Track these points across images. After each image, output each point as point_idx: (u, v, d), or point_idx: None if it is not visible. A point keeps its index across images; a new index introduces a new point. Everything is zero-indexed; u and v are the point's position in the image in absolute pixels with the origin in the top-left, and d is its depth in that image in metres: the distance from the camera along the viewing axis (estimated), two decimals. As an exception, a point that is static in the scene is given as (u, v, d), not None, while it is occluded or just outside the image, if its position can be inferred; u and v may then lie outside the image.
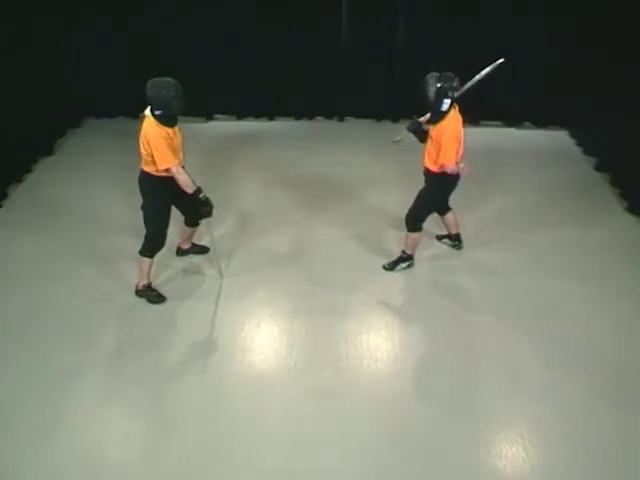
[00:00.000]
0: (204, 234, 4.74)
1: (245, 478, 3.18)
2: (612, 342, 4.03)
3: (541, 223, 5.29)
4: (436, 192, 4.44)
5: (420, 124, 4.36)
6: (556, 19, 6.32)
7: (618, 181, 5.82)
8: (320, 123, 7.25)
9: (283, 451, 3.30)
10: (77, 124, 7.07)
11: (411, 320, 4.24)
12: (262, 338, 4.10)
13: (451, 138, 4.08)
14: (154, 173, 4.00)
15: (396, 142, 4.57)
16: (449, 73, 4.04)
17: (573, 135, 6.92)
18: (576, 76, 6.46)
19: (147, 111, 3.90)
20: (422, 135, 4.37)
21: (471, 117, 7.23)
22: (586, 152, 6.54)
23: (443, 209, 4.72)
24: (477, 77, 4.22)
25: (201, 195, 4.07)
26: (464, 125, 4.24)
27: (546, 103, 6.84)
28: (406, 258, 4.67)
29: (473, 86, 4.22)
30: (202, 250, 4.86)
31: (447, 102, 4.02)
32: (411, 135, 4.40)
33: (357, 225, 5.25)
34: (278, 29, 6.66)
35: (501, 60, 4.23)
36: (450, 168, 4.15)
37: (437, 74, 4.03)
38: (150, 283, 4.35)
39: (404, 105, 7.05)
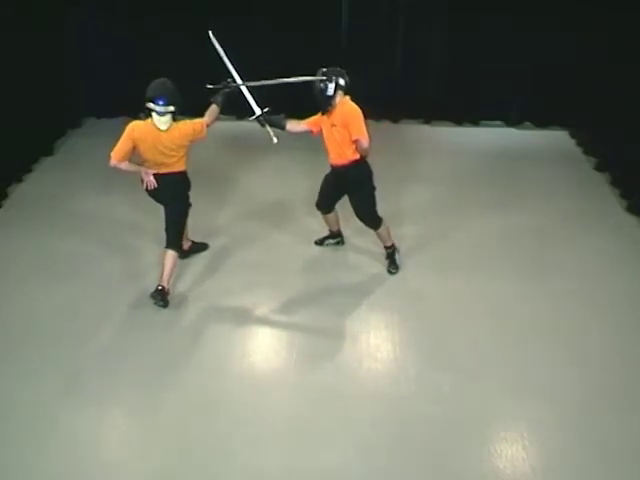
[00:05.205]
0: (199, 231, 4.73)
1: (245, 478, 3.18)
2: (612, 342, 4.03)
3: (541, 224, 5.28)
4: (370, 181, 4.33)
5: (262, 115, 4.27)
6: (556, 19, 6.32)
7: (618, 181, 5.82)
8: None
9: (283, 451, 3.30)
10: (77, 124, 7.07)
11: (411, 320, 4.23)
12: (262, 338, 4.11)
13: (356, 113, 4.00)
14: (184, 168, 4.14)
15: (277, 142, 4.36)
16: (334, 67, 4.05)
17: (573, 135, 6.91)
18: (576, 76, 6.46)
19: (164, 124, 3.86)
20: (275, 120, 4.32)
21: (471, 117, 7.32)
22: (586, 152, 6.53)
23: (331, 207, 4.68)
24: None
25: (224, 90, 4.37)
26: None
27: (546, 103, 6.84)
28: (395, 249, 4.68)
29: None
30: (202, 247, 4.86)
31: (331, 86, 3.98)
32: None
33: (359, 225, 5.23)
34: (278, 29, 6.65)
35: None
36: (366, 142, 4.02)
37: (322, 69, 4.03)
38: None
39: (404, 105, 7.09)
